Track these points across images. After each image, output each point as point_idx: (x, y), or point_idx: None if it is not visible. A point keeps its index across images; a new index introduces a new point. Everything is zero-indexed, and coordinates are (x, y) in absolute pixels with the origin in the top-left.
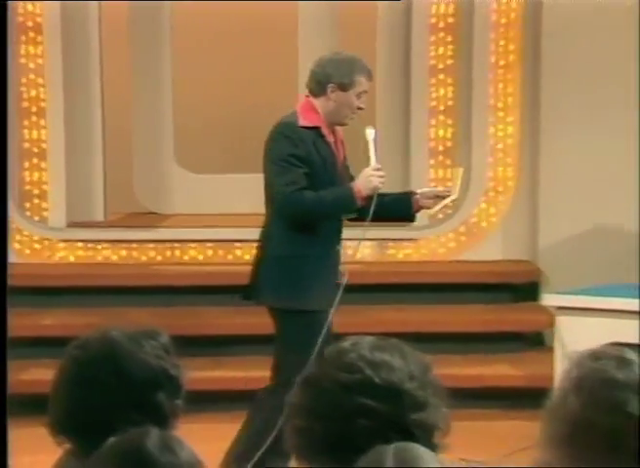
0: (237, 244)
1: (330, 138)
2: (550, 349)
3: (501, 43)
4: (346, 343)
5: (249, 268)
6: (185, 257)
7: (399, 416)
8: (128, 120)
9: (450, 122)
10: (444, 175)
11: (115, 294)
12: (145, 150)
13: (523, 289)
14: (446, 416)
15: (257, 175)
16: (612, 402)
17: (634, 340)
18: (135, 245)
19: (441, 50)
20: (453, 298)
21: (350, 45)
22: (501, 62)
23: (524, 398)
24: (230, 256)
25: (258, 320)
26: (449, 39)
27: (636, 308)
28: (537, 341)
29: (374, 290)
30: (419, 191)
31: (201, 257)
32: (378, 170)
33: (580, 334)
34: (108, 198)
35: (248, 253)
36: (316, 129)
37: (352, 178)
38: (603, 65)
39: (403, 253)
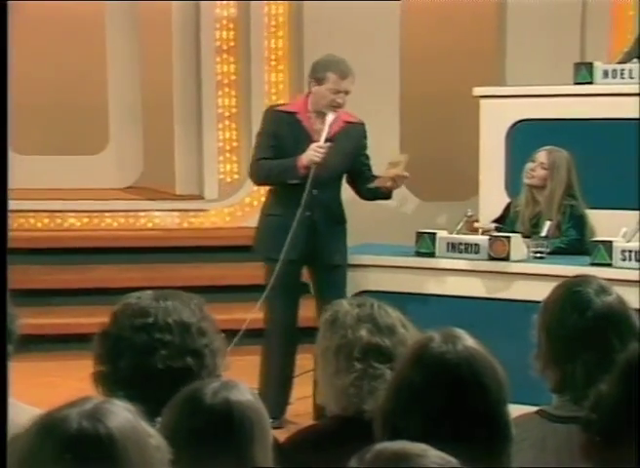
0: (57, 214)
1: (309, 123)
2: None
3: (273, 63)
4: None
5: (71, 234)
6: (15, 225)
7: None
8: None
9: (234, 126)
10: (231, 168)
11: None
12: None
13: None
14: (222, 343)
15: (73, 156)
16: (346, 326)
17: (378, 289)
18: None
19: (225, 68)
20: (236, 257)
21: (149, 49)
22: (273, 80)
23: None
24: (52, 224)
25: (78, 276)
26: (231, 60)
27: (375, 263)
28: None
29: (175, 251)
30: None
31: (27, 225)
32: (320, 147)
33: None
34: None
35: (66, 222)
36: (293, 114)
37: (367, 158)
38: (360, 60)
39: (197, 221)
